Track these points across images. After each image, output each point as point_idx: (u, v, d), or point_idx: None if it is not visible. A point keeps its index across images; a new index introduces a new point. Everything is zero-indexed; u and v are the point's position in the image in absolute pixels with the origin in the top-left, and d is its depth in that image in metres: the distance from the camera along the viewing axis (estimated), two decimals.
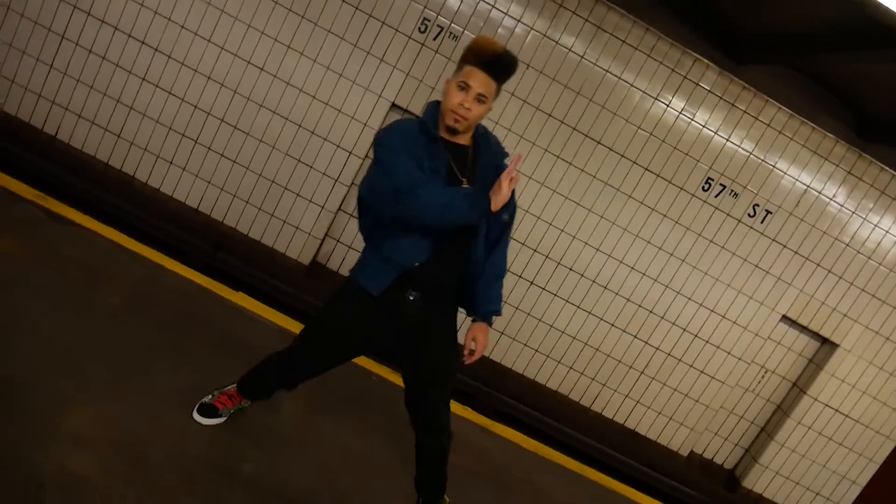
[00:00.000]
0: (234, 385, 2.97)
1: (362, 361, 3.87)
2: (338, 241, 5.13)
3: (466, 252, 2.59)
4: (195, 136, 4.84)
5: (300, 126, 4.82)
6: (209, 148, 4.85)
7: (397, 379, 3.84)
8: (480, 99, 2.39)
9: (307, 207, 4.95)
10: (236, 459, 2.75)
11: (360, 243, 5.12)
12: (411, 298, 2.56)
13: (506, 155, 2.65)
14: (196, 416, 2.87)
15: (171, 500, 2.46)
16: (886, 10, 3.13)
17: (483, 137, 2.61)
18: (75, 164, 4.79)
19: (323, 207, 4.94)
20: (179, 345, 3.21)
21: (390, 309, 2.59)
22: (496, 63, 2.39)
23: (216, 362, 3.22)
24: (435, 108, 2.53)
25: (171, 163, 4.88)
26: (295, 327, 3.80)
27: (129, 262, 3.66)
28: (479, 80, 2.37)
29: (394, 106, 4.83)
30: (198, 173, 4.90)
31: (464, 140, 2.53)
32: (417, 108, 4.78)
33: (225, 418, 2.94)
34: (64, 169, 4.72)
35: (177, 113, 4.81)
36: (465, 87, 2.38)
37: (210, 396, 2.96)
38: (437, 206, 2.37)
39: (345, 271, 5.17)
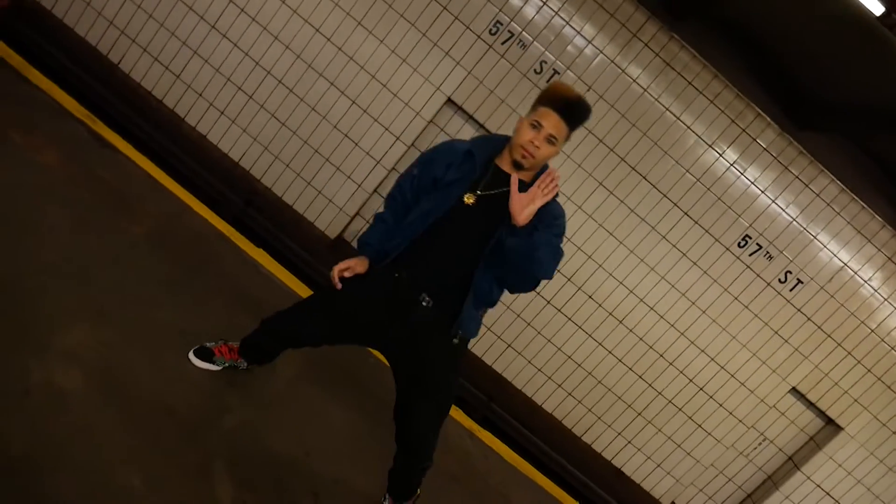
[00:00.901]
0: (239, 343, 2.96)
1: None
2: (367, 222, 5.11)
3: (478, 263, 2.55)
4: (251, 92, 4.85)
5: (354, 102, 4.81)
6: (262, 106, 4.86)
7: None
8: (550, 140, 2.45)
9: (344, 183, 4.93)
10: (220, 409, 2.74)
11: None
12: (424, 304, 2.55)
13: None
14: (191, 356, 2.87)
15: (147, 430, 2.45)
16: None
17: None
18: (131, 96, 4.83)
19: (360, 186, 4.92)
20: (190, 286, 3.22)
21: (401, 306, 2.58)
22: (571, 108, 2.46)
23: (221, 310, 3.22)
24: (488, 140, 2.61)
25: (222, 113, 4.90)
26: (306, 293, 3.78)
27: (160, 197, 3.68)
28: (551, 122, 2.44)
29: (449, 101, 4.79)
30: (245, 128, 4.91)
31: (525, 177, 2.54)
32: (472, 107, 4.74)
33: (218, 368, 2.93)
34: (119, 98, 4.77)
35: (238, 65, 4.82)
36: (537, 126, 2.44)
37: (212, 343, 2.95)
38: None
39: None
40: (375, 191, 4.99)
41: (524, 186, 2.51)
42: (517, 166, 2.50)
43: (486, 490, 3.48)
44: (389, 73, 4.76)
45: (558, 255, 2.52)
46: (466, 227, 2.50)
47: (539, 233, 2.44)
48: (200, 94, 4.89)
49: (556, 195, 2.54)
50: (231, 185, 4.84)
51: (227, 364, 2.92)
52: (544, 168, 2.59)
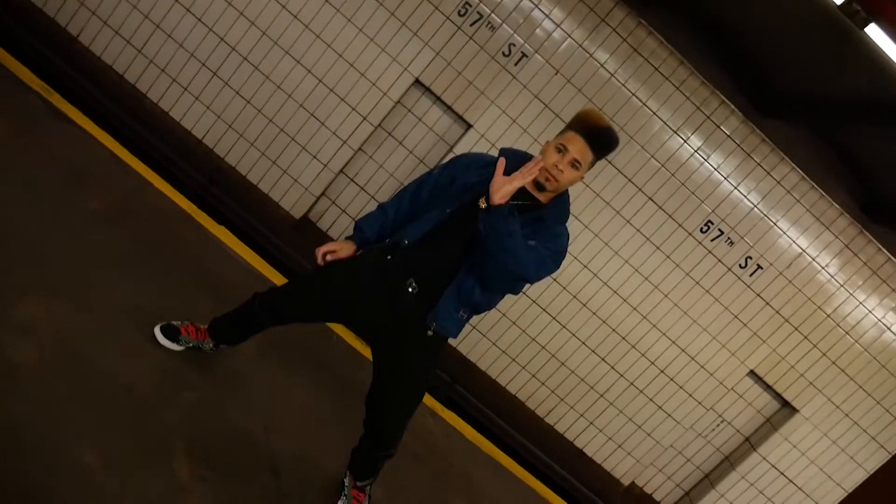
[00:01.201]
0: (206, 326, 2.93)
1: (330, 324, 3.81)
2: (333, 202, 5.07)
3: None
4: (215, 69, 4.76)
5: (321, 81, 4.75)
6: (226, 83, 4.78)
7: (358, 345, 3.78)
8: (575, 164, 2.46)
9: (310, 163, 4.88)
10: (179, 386, 2.71)
11: (354, 209, 5.08)
12: (410, 290, 2.53)
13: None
14: (157, 332, 2.83)
15: (103, 406, 2.41)
16: None
17: (560, 203, 2.61)
18: (91, 70, 4.71)
19: (326, 166, 4.87)
20: (149, 263, 3.16)
21: (389, 289, 2.57)
22: (598, 135, 2.49)
23: (182, 288, 3.18)
24: (514, 154, 2.57)
25: (185, 89, 4.80)
26: (270, 273, 3.74)
27: (119, 173, 3.60)
28: (577, 147, 2.45)
29: (417, 82, 4.76)
30: (210, 105, 4.82)
31: (544, 198, 2.55)
32: (440, 89, 4.72)
33: (181, 348, 2.88)
34: (78, 71, 4.64)
35: (202, 41, 4.72)
36: (563, 149, 2.45)
37: (178, 322, 2.90)
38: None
39: (334, 233, 5.10)
40: (342, 171, 4.94)
41: (542, 207, 2.53)
42: (539, 188, 2.50)
43: (447, 469, 3.49)
44: (357, 53, 4.70)
45: (542, 260, 2.47)
46: (470, 228, 2.44)
47: (513, 222, 2.37)
48: (163, 70, 4.78)
49: (566, 219, 2.62)
50: (194, 163, 4.76)
51: (191, 344, 2.87)
52: (564, 193, 2.60)
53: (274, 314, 2.75)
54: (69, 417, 2.30)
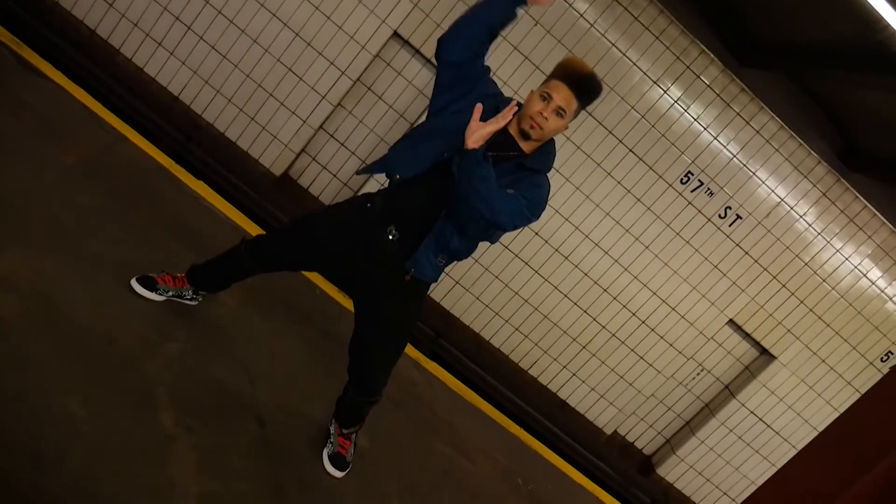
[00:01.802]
0: (184, 273, 2.92)
1: (312, 276, 3.81)
2: (314, 158, 5.04)
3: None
4: (189, 23, 4.67)
5: (297, 35, 4.68)
6: (201, 37, 4.70)
7: (341, 298, 3.80)
8: (559, 112, 2.43)
9: (289, 119, 4.84)
10: (163, 337, 2.71)
11: (335, 164, 5.06)
12: (391, 237, 2.54)
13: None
14: (133, 283, 2.82)
15: (86, 358, 2.42)
16: (894, 35, 3.10)
17: (545, 152, 2.58)
18: (60, 25, 4.62)
19: (305, 122, 4.84)
20: (127, 217, 3.13)
21: (369, 235, 2.56)
22: (582, 83, 2.45)
23: (161, 242, 3.17)
24: (508, 102, 2.48)
25: (159, 44, 4.72)
26: (249, 227, 3.74)
27: (94, 128, 3.55)
28: (561, 95, 2.42)
29: (395, 35, 4.70)
30: (185, 61, 4.75)
31: (527, 147, 2.53)
32: (419, 41, 4.67)
33: (161, 298, 2.88)
34: (47, 27, 4.55)
35: None
36: (547, 97, 2.43)
37: (155, 273, 2.90)
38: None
39: (316, 191, 5.09)
40: (321, 127, 4.91)
41: (525, 157, 2.51)
42: (524, 136, 2.49)
43: (431, 417, 3.55)
44: (334, 5, 4.62)
45: (517, 208, 2.44)
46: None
47: (486, 168, 2.34)
48: (136, 24, 4.68)
49: (548, 168, 2.58)
50: (170, 121, 4.70)
51: (171, 292, 2.87)
52: (550, 142, 2.59)
53: (259, 259, 2.75)
54: (54, 369, 2.30)
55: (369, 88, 4.89)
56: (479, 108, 2.33)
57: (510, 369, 5.29)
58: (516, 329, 5.25)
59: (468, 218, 2.47)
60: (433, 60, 4.66)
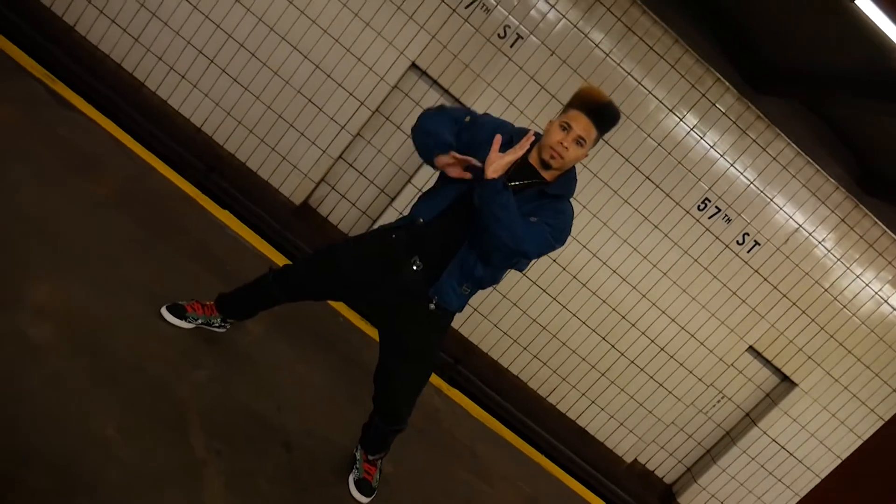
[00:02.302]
0: (213, 301, 3.01)
1: (336, 305, 3.90)
2: (333, 188, 5.15)
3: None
4: (212, 56, 4.82)
5: (317, 67, 4.81)
6: (223, 70, 4.84)
7: (364, 326, 3.88)
8: (579, 141, 2.51)
9: (309, 148, 4.96)
10: (191, 364, 2.79)
11: (354, 193, 5.16)
12: (415, 268, 2.62)
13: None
14: (164, 311, 2.91)
15: (119, 383, 2.50)
16: None
17: (566, 178, 2.66)
18: (87, 59, 4.77)
19: (324, 152, 4.95)
20: (156, 246, 3.25)
21: (394, 267, 2.65)
22: (600, 111, 2.53)
23: (189, 269, 3.27)
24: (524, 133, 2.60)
25: (182, 77, 4.87)
26: (274, 256, 3.83)
27: (123, 158, 3.68)
28: (581, 124, 2.49)
29: (413, 66, 4.83)
30: (207, 93, 4.89)
31: (549, 176, 2.61)
32: (436, 72, 4.79)
33: (191, 325, 2.97)
34: (75, 61, 4.70)
35: (198, 29, 4.78)
36: (566, 127, 2.50)
37: (183, 301, 2.99)
38: (423, 123, 2.56)
39: (335, 219, 5.19)
40: (340, 156, 5.02)
41: (546, 184, 2.59)
42: (545, 166, 2.56)
43: (452, 442, 3.60)
44: (353, 37, 4.76)
45: (542, 236, 2.52)
46: (472, 211, 2.50)
47: (506, 197, 2.42)
48: (160, 58, 4.84)
49: (571, 194, 2.67)
50: (194, 152, 4.83)
51: (199, 320, 2.96)
52: (571, 169, 2.66)
53: (285, 288, 2.83)
54: (88, 392, 2.38)
55: (388, 118, 5.01)
56: (498, 138, 2.41)
57: (529, 396, 5.32)
58: (535, 356, 5.30)
59: (491, 246, 2.55)
60: (451, 91, 4.83)
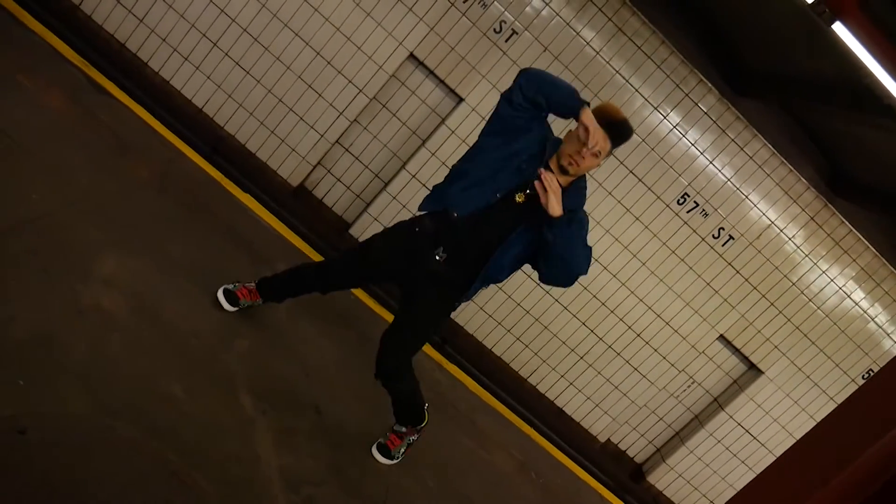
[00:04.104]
0: (254, 283, 3.61)
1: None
2: (329, 171, 5.71)
3: (503, 240, 3.13)
4: (215, 39, 5.26)
5: (318, 53, 5.30)
6: (226, 53, 5.33)
7: (372, 303, 4.56)
8: (595, 154, 3.00)
9: (307, 132, 5.47)
10: (233, 334, 3.44)
11: (349, 177, 5.77)
12: (437, 258, 3.17)
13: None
14: (220, 298, 3.52)
15: (180, 348, 3.14)
16: (878, 82, 3.83)
17: (578, 189, 3.17)
18: (92, 38, 5.27)
19: (322, 136, 5.51)
20: (193, 227, 3.88)
21: (418, 256, 3.20)
22: (616, 128, 3.01)
23: (223, 249, 3.91)
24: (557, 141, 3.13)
25: (186, 59, 5.35)
26: (290, 236, 4.49)
27: (155, 143, 4.27)
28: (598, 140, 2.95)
29: (411, 56, 5.32)
30: (210, 75, 5.39)
31: (564, 181, 3.09)
32: (433, 63, 5.29)
33: (237, 308, 3.62)
34: (81, 40, 5.19)
35: (203, 12, 5.20)
36: (585, 139, 2.95)
37: (233, 286, 3.60)
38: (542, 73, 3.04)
39: (329, 201, 5.79)
40: (337, 141, 5.58)
41: (564, 190, 3.05)
42: (563, 171, 3.06)
43: (456, 415, 4.33)
44: (354, 26, 5.21)
45: (588, 251, 3.11)
46: (504, 218, 3.08)
47: (574, 225, 3.01)
48: (164, 40, 5.32)
49: (583, 205, 3.18)
50: (195, 132, 5.38)
51: (246, 305, 3.61)
52: (583, 179, 3.19)
53: (325, 284, 3.48)
54: (156, 356, 3.02)
55: (384, 106, 5.56)
56: (545, 177, 2.95)
57: (511, 377, 5.99)
58: (517, 339, 5.97)
59: (561, 274, 3.16)
60: (446, 82, 5.47)
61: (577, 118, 2.95)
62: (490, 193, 3.12)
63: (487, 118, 3.25)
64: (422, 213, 3.29)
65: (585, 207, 3.23)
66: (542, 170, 3.02)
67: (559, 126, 3.56)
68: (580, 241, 3.08)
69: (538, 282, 5.61)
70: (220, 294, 3.57)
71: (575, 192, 3.20)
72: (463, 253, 3.19)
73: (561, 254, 3.04)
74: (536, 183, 2.97)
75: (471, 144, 3.28)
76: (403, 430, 3.69)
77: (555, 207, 2.94)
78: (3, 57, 3.82)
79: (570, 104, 2.97)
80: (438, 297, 3.34)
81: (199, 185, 4.29)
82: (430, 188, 3.36)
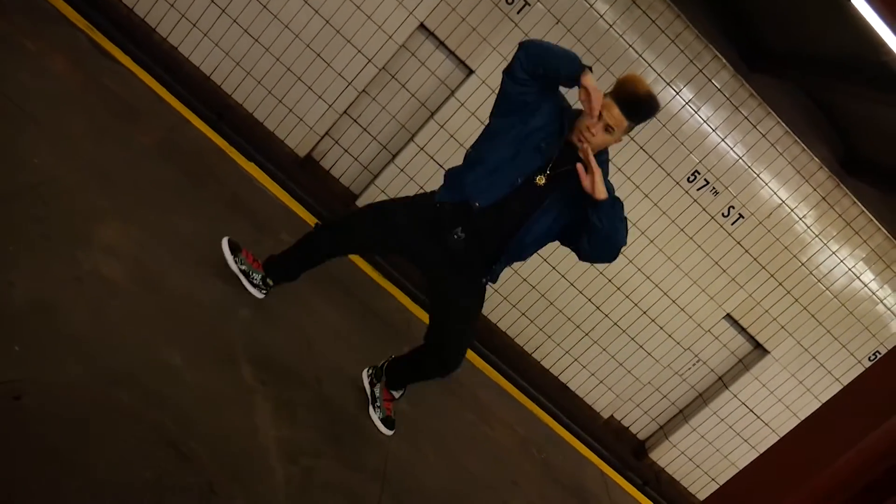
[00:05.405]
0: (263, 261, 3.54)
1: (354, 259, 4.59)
2: (336, 142, 5.68)
3: (525, 221, 3.05)
4: (223, 6, 5.26)
5: (328, 22, 5.25)
6: (235, 20, 5.28)
7: (375, 275, 4.53)
8: (608, 129, 2.85)
9: (315, 102, 5.45)
10: (235, 304, 3.41)
11: (357, 148, 5.72)
12: (456, 237, 3.08)
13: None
14: (224, 242, 3.47)
15: (180, 317, 3.12)
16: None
17: (602, 163, 3.00)
18: (99, 2, 5.21)
19: (330, 106, 5.47)
20: (198, 194, 3.84)
21: (438, 232, 3.12)
22: (634, 104, 2.83)
23: (227, 218, 3.88)
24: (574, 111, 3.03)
25: (194, 25, 5.31)
26: (296, 207, 4.44)
27: (160, 109, 4.24)
28: (612, 114, 2.81)
29: (421, 26, 5.27)
30: (218, 42, 5.34)
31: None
32: (444, 34, 5.25)
33: (234, 267, 3.49)
34: (87, 3, 5.14)
35: None
36: (599, 114, 2.81)
37: (242, 244, 3.52)
38: (541, 43, 2.89)
39: (336, 172, 5.76)
40: (345, 112, 5.55)
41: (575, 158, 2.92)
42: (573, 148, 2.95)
43: (460, 390, 4.32)
44: None
45: (626, 222, 3.00)
46: (525, 201, 2.99)
47: (617, 205, 2.91)
48: (172, 5, 5.28)
49: (607, 171, 3.05)
50: (202, 99, 5.33)
51: (244, 267, 3.48)
52: (604, 153, 3.05)
53: (333, 240, 3.36)
54: (156, 324, 2.99)
55: (393, 77, 5.52)
56: (579, 167, 2.85)
57: (516, 352, 6.00)
58: (522, 314, 5.96)
59: (606, 252, 3.05)
60: (457, 53, 5.38)
61: (578, 84, 2.82)
62: (512, 178, 3.02)
63: (494, 100, 3.15)
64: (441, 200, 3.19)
65: None
66: (581, 145, 2.91)
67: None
68: (621, 217, 2.98)
69: (544, 258, 5.74)
70: (224, 240, 3.49)
71: (601, 168, 3.07)
72: (482, 238, 3.13)
73: (608, 234, 2.94)
74: (578, 165, 2.85)
75: (480, 118, 3.19)
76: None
77: (601, 190, 2.84)
78: (5, 19, 3.75)
79: (570, 69, 2.83)
80: (468, 280, 3.27)
81: (204, 153, 4.26)
82: (446, 172, 3.28)
